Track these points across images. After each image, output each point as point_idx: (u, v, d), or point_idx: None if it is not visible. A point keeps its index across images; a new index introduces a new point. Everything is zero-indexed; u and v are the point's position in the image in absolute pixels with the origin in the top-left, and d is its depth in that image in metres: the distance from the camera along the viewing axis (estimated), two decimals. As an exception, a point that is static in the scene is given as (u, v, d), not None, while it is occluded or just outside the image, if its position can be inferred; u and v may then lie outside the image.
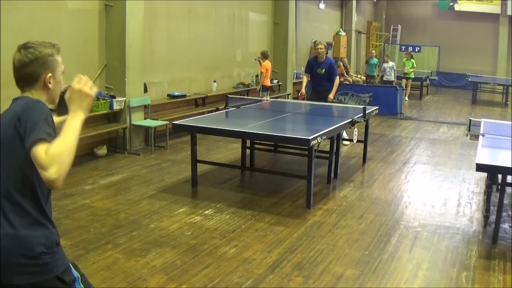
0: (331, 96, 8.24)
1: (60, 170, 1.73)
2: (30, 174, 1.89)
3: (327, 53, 8.57)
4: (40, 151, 1.76)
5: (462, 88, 19.94)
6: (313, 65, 8.42)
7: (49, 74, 2.00)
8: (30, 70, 1.97)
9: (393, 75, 15.33)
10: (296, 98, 13.69)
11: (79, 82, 1.93)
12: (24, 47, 1.99)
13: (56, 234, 2.02)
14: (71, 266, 2.07)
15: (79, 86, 1.92)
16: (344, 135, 8.40)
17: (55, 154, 1.74)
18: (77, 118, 1.88)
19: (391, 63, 15.50)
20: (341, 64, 12.97)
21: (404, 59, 16.45)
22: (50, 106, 2.01)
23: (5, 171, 1.92)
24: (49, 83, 2.01)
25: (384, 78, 15.42)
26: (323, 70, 8.28)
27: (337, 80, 8.38)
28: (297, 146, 6.68)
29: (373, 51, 17.13)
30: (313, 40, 16.07)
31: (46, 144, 1.77)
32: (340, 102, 8.54)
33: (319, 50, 8.31)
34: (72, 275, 2.05)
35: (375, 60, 16.16)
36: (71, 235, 4.48)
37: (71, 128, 1.85)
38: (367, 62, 16.58)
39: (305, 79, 8.77)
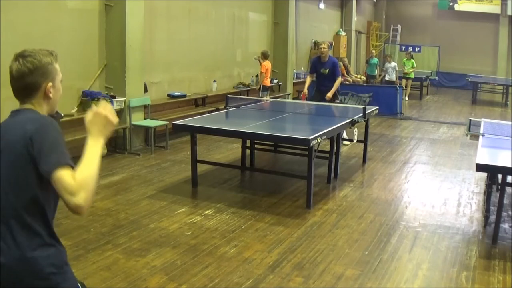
0: (329, 94, 8.25)
1: (88, 196, 1.72)
2: (40, 195, 1.84)
3: None
4: (66, 176, 1.72)
5: (462, 88, 19.94)
6: (316, 65, 8.44)
7: (50, 83, 1.94)
8: (30, 80, 1.90)
9: (394, 75, 15.35)
10: (297, 98, 13.71)
11: (105, 109, 1.88)
12: (21, 56, 1.90)
13: (65, 253, 1.97)
14: (79, 286, 2.04)
15: (106, 112, 1.87)
16: (344, 135, 8.40)
17: (82, 181, 1.72)
18: (98, 143, 1.84)
19: (393, 64, 15.51)
20: (341, 64, 12.96)
21: (404, 59, 16.44)
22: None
23: (12, 191, 1.84)
24: (50, 92, 1.95)
25: (386, 78, 15.44)
26: (327, 70, 8.29)
27: (338, 80, 8.39)
28: (297, 146, 6.68)
29: (373, 51, 17.13)
30: (313, 40, 16.07)
31: (70, 169, 1.74)
32: (340, 102, 8.55)
33: (322, 49, 8.32)
34: None
35: (375, 60, 16.14)
36: (71, 235, 4.48)
37: (94, 153, 1.81)
38: (367, 62, 16.57)
39: (308, 80, 8.78)
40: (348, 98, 12.58)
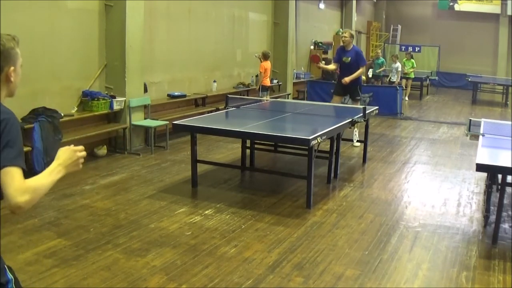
0: (347, 79, 8.21)
1: (31, 201, 1.81)
2: None
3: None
4: (17, 175, 1.80)
5: (462, 88, 19.93)
6: (340, 53, 8.45)
7: (12, 67, 1.97)
8: None
9: (396, 76, 15.34)
10: (297, 98, 13.69)
11: (81, 152, 2.02)
12: None
13: None
14: (6, 268, 2.05)
15: (81, 155, 2.02)
16: (354, 136, 8.38)
17: (33, 186, 1.82)
18: (60, 172, 1.96)
19: (398, 64, 15.52)
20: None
21: (404, 59, 16.42)
22: (8, 100, 2.00)
23: None
24: (11, 76, 1.99)
25: (392, 80, 15.47)
26: (349, 59, 8.26)
27: (361, 70, 8.29)
28: (297, 146, 6.67)
29: (379, 51, 17.13)
30: (313, 40, 16.07)
31: (21, 171, 1.82)
32: (343, 102, 8.43)
33: (343, 38, 8.36)
34: (7, 277, 2.03)
35: (381, 60, 16.10)
36: (71, 235, 4.49)
37: (53, 175, 1.92)
38: (373, 61, 16.52)
39: (331, 66, 9.08)
40: (348, 98, 12.56)
